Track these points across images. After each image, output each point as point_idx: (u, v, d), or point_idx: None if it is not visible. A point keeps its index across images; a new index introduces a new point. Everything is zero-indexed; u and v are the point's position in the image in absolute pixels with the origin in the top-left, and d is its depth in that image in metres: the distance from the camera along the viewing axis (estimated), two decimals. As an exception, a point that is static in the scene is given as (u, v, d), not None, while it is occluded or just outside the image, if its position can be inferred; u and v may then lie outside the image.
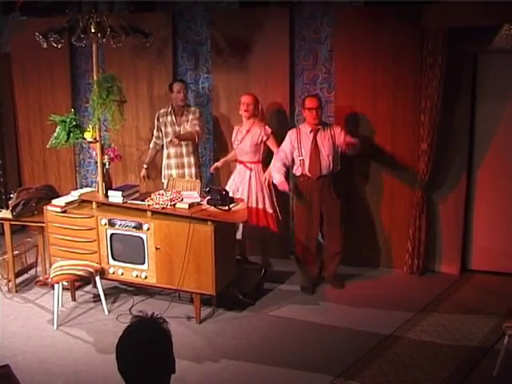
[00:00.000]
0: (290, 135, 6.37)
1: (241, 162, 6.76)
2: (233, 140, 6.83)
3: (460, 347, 5.32)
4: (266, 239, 6.84)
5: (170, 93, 7.03)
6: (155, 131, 7.20)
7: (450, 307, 6.14)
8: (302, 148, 6.28)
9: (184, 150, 7.04)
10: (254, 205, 6.55)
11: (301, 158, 6.27)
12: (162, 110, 7.12)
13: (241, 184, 6.66)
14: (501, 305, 6.13)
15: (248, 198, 6.54)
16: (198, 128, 6.95)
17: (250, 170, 6.66)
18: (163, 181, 7.09)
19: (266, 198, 6.61)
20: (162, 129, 7.10)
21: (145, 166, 7.31)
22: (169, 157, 7.09)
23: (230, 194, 6.08)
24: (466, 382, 4.81)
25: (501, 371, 4.76)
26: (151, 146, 7.30)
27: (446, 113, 6.51)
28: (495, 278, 6.78)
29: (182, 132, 6.94)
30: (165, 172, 7.14)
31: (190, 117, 7.00)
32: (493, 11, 5.70)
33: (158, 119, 7.12)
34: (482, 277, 6.85)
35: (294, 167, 6.41)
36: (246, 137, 6.63)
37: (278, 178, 6.27)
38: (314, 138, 6.25)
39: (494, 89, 6.59)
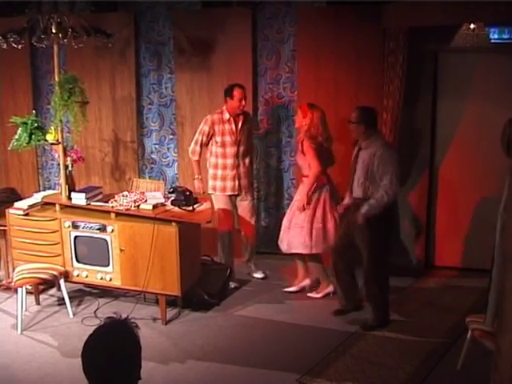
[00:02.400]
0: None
1: (306, 176, 6.17)
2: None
3: (424, 342, 5.39)
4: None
5: (228, 98, 6.43)
6: (204, 137, 6.50)
7: (414, 303, 6.22)
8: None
9: (240, 159, 6.56)
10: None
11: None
12: (216, 117, 6.46)
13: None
14: (463, 300, 6.23)
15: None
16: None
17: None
18: (211, 192, 6.60)
19: None
20: (219, 138, 6.46)
21: (199, 177, 6.65)
22: (224, 167, 6.52)
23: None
24: (431, 377, 4.88)
25: (464, 365, 4.83)
26: (196, 158, 6.60)
27: (407, 111, 6.59)
28: (458, 274, 6.88)
29: (241, 139, 6.50)
30: (215, 183, 6.56)
31: (248, 125, 6.60)
32: (452, 11, 5.77)
33: (213, 127, 6.44)
34: (445, 273, 6.95)
35: None
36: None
37: None
38: (357, 155, 5.63)
39: (454, 87, 6.70)
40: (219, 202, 6.57)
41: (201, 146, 6.54)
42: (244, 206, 6.66)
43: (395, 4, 6.20)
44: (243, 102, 6.40)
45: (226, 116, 6.45)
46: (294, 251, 6.26)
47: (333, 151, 6.27)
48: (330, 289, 6.33)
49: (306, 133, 6.07)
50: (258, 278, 6.77)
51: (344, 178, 6.14)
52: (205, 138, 6.50)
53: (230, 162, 6.50)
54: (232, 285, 6.54)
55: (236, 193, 6.57)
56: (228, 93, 6.42)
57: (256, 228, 6.95)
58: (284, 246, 6.29)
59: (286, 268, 6.95)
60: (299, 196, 6.17)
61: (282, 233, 6.32)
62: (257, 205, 7.27)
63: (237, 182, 6.54)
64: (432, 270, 7.02)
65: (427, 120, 6.76)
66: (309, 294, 6.37)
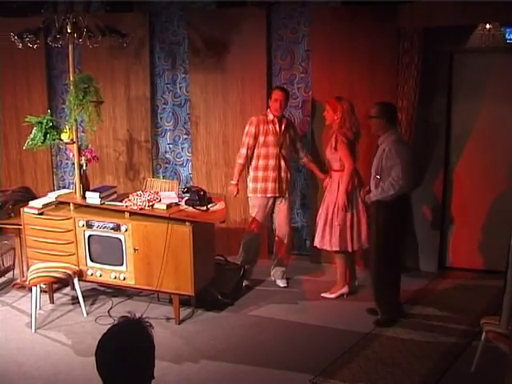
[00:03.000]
0: None
1: (336, 171, 6.21)
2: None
3: (438, 344, 5.36)
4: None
5: (269, 99, 6.49)
6: (250, 139, 6.40)
7: (428, 304, 6.18)
8: None
9: (282, 162, 6.45)
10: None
11: None
12: (261, 117, 6.43)
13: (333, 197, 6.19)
14: (478, 301, 6.19)
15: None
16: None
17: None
18: (250, 195, 6.52)
19: None
20: (262, 138, 6.37)
21: (236, 183, 6.53)
22: (266, 169, 6.40)
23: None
24: (445, 379, 4.84)
25: (478, 367, 4.79)
26: (241, 161, 6.50)
27: (422, 112, 6.57)
28: (472, 275, 6.85)
29: (283, 142, 6.40)
30: (256, 185, 6.45)
31: (292, 132, 6.53)
32: (467, 11, 5.75)
33: (258, 126, 6.37)
34: (459, 274, 6.92)
35: None
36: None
37: None
38: (376, 149, 5.67)
39: (469, 88, 6.66)
40: (257, 204, 6.48)
41: (247, 148, 6.43)
42: (281, 210, 6.54)
43: (410, 4, 6.19)
44: (277, 103, 6.30)
45: (270, 117, 6.40)
46: (336, 249, 6.21)
47: (357, 148, 6.26)
48: (345, 290, 6.31)
49: (340, 126, 6.05)
50: (278, 286, 6.67)
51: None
52: (251, 140, 6.40)
53: (272, 162, 6.39)
54: (245, 282, 6.53)
55: (277, 194, 6.46)
56: (270, 93, 6.52)
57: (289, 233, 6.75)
58: (326, 245, 6.23)
59: (299, 267, 6.97)
60: (336, 195, 6.11)
61: (321, 231, 6.23)
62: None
63: (278, 185, 6.43)
64: (446, 272, 6.99)
65: (442, 121, 6.73)
66: (322, 295, 6.35)
